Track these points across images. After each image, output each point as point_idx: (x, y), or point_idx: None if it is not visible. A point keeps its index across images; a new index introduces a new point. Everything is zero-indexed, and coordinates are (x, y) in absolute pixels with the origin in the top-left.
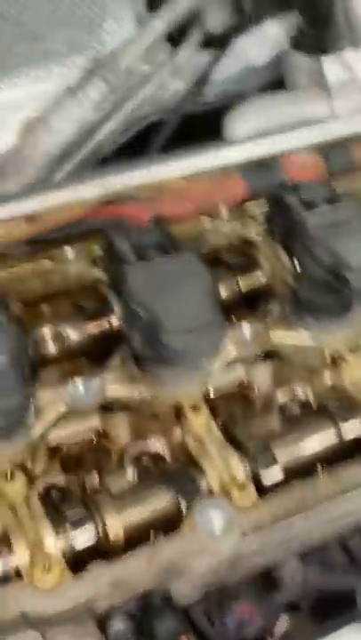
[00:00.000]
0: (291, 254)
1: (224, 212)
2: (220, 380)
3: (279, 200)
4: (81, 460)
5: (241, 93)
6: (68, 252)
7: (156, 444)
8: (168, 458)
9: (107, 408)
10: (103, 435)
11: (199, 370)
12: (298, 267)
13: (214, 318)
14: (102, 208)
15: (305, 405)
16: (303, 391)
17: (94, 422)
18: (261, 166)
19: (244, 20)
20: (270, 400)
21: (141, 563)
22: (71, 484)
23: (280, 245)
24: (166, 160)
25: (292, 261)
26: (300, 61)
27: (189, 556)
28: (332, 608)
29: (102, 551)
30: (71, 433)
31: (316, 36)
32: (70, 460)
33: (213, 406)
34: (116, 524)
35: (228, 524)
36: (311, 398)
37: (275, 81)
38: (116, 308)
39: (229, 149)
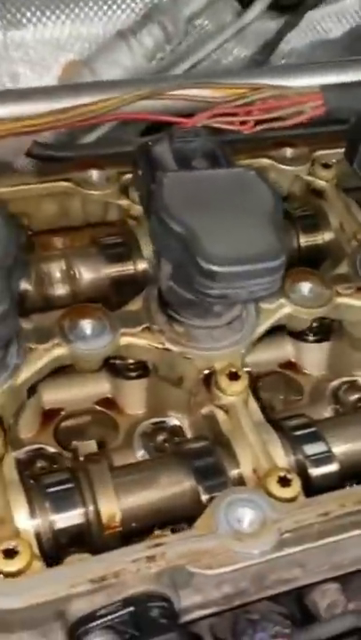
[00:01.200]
0: None
1: (289, 153)
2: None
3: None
4: (81, 432)
5: None
6: (94, 174)
7: (176, 419)
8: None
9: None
10: (111, 404)
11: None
12: None
13: (276, 250)
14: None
15: None
16: None
17: (102, 387)
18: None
19: None
20: (323, 385)
21: (140, 559)
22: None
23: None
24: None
25: None
26: None
27: (205, 559)
28: None
29: (90, 540)
30: (72, 396)
31: None
32: (68, 430)
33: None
34: (112, 507)
35: (262, 523)
36: None
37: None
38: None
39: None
